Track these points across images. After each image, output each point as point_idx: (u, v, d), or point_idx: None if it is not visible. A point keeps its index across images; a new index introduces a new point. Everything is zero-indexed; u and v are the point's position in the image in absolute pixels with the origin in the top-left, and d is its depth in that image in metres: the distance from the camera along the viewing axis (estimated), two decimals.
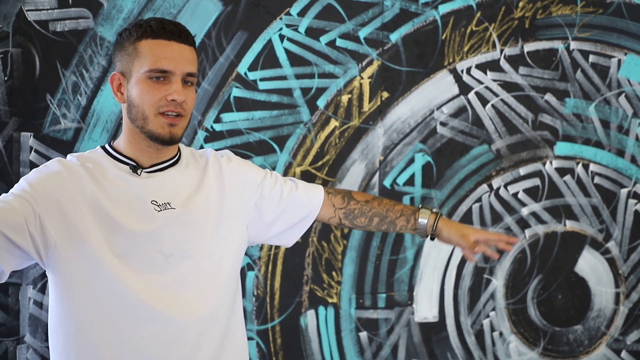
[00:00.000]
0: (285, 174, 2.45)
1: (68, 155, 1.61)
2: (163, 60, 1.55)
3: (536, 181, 2.61)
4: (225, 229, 1.69)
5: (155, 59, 1.55)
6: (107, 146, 1.64)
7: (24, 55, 2.27)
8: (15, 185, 1.54)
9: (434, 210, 1.80)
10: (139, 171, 1.59)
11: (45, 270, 2.28)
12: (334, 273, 2.50)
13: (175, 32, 1.57)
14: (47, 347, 2.29)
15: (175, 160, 1.65)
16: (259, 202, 1.77)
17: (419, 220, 1.80)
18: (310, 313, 2.49)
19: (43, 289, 2.30)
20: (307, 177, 2.47)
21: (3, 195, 1.52)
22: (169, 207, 1.59)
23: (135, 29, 1.57)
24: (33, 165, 2.30)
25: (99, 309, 1.55)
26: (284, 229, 1.81)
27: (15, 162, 2.29)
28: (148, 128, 1.57)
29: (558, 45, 2.60)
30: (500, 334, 2.62)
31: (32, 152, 2.30)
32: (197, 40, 2.37)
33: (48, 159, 2.30)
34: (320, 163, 2.48)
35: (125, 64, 1.58)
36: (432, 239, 1.81)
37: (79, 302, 1.56)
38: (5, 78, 2.27)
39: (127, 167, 1.59)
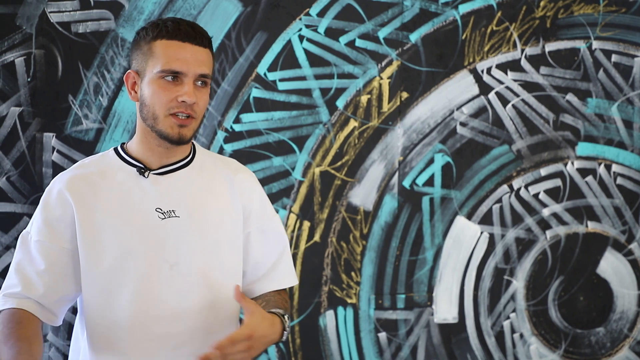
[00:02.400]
0: (304, 174, 2.46)
1: (62, 173, 1.62)
2: (176, 62, 1.55)
3: (557, 182, 2.59)
4: (231, 241, 1.64)
5: (168, 59, 1.55)
6: (119, 147, 1.65)
7: (46, 57, 2.30)
8: (31, 242, 1.58)
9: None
10: (146, 174, 1.59)
11: None
12: (353, 273, 2.50)
13: (190, 33, 1.57)
14: (69, 346, 2.32)
15: (188, 162, 1.64)
16: (245, 242, 1.68)
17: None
18: (330, 313, 2.49)
19: None
20: (327, 177, 2.47)
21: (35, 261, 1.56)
22: (174, 215, 1.57)
23: (152, 29, 1.58)
24: (55, 165, 2.32)
25: (105, 317, 1.57)
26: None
27: (38, 162, 2.32)
28: (158, 127, 1.57)
29: (580, 44, 2.57)
30: (521, 335, 2.60)
31: (55, 152, 2.32)
32: (217, 41, 2.38)
33: (70, 159, 2.32)
34: (339, 163, 2.48)
35: (140, 63, 1.58)
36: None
37: (87, 310, 1.59)
38: (29, 79, 2.30)
39: (135, 169, 1.59)
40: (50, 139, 2.32)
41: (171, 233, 1.57)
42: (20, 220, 2.31)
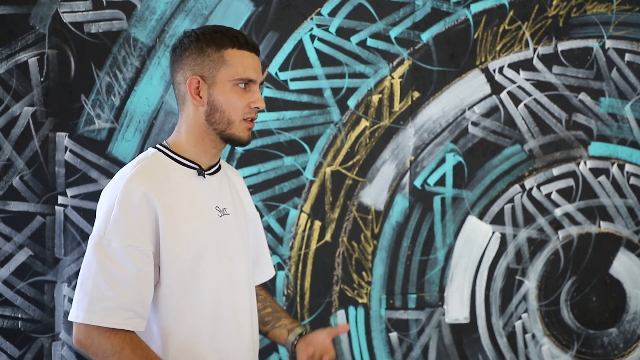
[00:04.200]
0: (315, 173, 2.46)
1: (132, 174, 1.61)
2: (250, 70, 1.66)
3: (570, 182, 2.58)
4: (249, 236, 1.81)
5: (244, 68, 1.65)
6: (164, 149, 1.69)
7: (59, 57, 2.31)
8: (116, 239, 1.56)
9: (301, 331, 1.84)
10: (204, 174, 1.66)
11: (79, 269, 2.32)
12: (364, 273, 2.50)
13: (254, 45, 1.70)
14: None
15: (220, 163, 1.75)
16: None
17: (289, 336, 1.85)
18: (341, 313, 2.49)
19: None
20: (338, 176, 2.47)
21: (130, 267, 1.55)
22: (226, 212, 1.69)
23: (219, 37, 1.66)
24: (68, 165, 2.34)
25: (186, 320, 1.63)
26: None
27: (51, 162, 2.34)
28: (230, 132, 1.66)
29: (593, 43, 2.56)
30: (533, 336, 2.59)
31: (67, 151, 2.34)
32: None
33: (83, 158, 2.34)
34: (350, 163, 2.48)
35: (207, 69, 1.65)
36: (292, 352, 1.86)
37: (164, 315, 1.63)
38: (42, 79, 2.32)
39: (192, 170, 1.65)
40: (63, 138, 2.34)
41: (227, 229, 1.69)
42: (33, 219, 2.33)
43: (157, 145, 1.70)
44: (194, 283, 1.62)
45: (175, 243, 1.60)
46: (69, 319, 1.58)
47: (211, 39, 1.66)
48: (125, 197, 1.58)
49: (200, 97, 1.66)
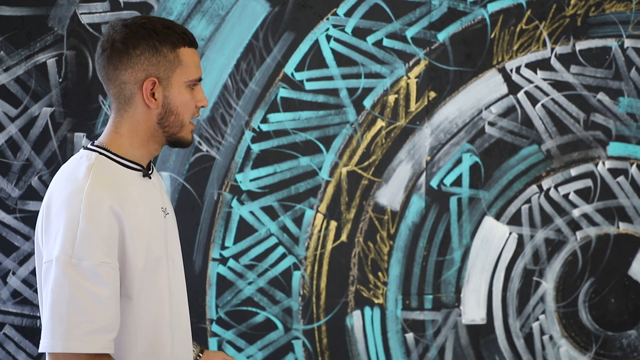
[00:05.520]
0: (331, 174, 2.46)
1: (90, 184, 1.47)
2: (200, 69, 1.57)
3: (588, 182, 2.56)
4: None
5: (196, 68, 1.56)
6: (102, 150, 1.55)
7: (77, 58, 2.33)
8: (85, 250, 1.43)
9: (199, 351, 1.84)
10: (149, 175, 1.60)
11: None
12: (380, 274, 2.50)
13: (196, 41, 1.59)
14: None
15: (152, 166, 1.66)
16: None
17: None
18: (356, 313, 2.49)
19: None
20: (354, 177, 2.47)
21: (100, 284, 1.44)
22: (167, 212, 1.62)
23: (172, 34, 1.54)
24: None
25: (152, 330, 1.57)
26: None
27: None
28: (180, 135, 1.57)
29: (611, 43, 2.53)
30: (551, 337, 2.57)
31: None
32: (245, 41, 2.40)
33: None
34: (366, 163, 2.47)
35: (163, 70, 1.53)
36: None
37: (130, 325, 1.56)
38: (60, 80, 2.34)
39: (137, 172, 1.58)
40: (81, 138, 2.36)
41: (169, 230, 1.61)
42: None
43: (92, 147, 1.56)
44: (154, 289, 1.54)
45: (140, 252, 1.51)
46: (42, 350, 1.44)
47: (165, 37, 1.52)
48: (91, 211, 1.43)
49: (155, 100, 1.53)
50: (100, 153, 1.54)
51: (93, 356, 1.44)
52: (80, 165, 1.52)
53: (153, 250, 1.53)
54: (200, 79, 1.56)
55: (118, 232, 1.47)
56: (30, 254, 2.35)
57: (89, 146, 1.56)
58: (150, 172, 1.61)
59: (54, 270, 1.43)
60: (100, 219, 1.44)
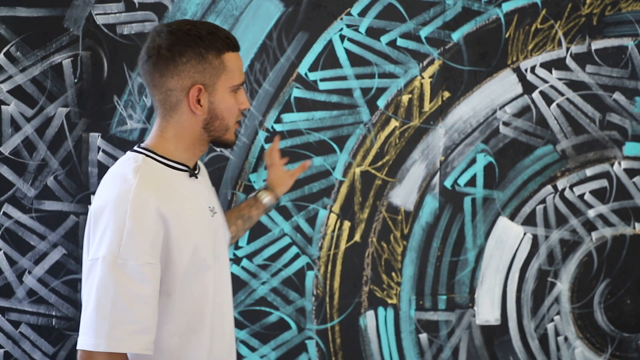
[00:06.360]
0: (344, 174, 2.46)
1: (137, 185, 1.51)
2: (242, 74, 1.62)
3: (604, 182, 2.54)
4: None
5: (240, 73, 1.60)
6: (149, 153, 1.59)
7: (92, 58, 2.35)
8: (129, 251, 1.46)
9: (263, 187, 2.16)
10: (196, 174, 1.63)
11: None
12: (393, 274, 2.49)
13: (238, 44, 1.62)
14: None
15: (199, 166, 1.72)
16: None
17: (263, 200, 2.09)
18: (370, 314, 2.48)
19: None
20: (367, 177, 2.46)
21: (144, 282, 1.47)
22: (215, 211, 1.64)
23: (217, 41, 1.56)
24: (101, 165, 2.37)
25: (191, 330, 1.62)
26: None
27: (84, 162, 2.37)
28: (225, 137, 1.62)
29: (628, 42, 2.51)
30: (565, 338, 2.56)
31: (100, 152, 2.37)
32: (259, 42, 2.40)
33: (115, 158, 2.37)
34: (380, 163, 2.47)
35: (209, 77, 1.55)
36: (278, 203, 2.18)
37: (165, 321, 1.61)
38: (75, 80, 2.35)
39: (184, 173, 1.61)
40: (96, 139, 2.37)
41: (217, 228, 1.66)
42: (67, 219, 2.37)
43: (140, 150, 1.59)
44: (195, 288, 1.56)
45: (185, 252, 1.53)
46: (82, 347, 1.46)
47: (210, 43, 1.54)
48: (137, 212, 1.46)
49: (201, 106, 1.56)
50: (147, 155, 1.57)
51: (123, 356, 1.45)
52: (127, 167, 1.54)
53: (200, 251, 1.55)
54: (243, 83, 1.58)
55: (163, 233, 1.50)
56: (46, 253, 2.37)
57: (136, 148, 1.58)
58: (196, 172, 1.63)
59: (100, 270, 1.44)
60: (146, 220, 1.47)
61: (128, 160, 1.57)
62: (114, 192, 1.50)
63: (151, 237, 1.47)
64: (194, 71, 1.55)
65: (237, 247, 2.44)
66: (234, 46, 1.60)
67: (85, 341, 1.44)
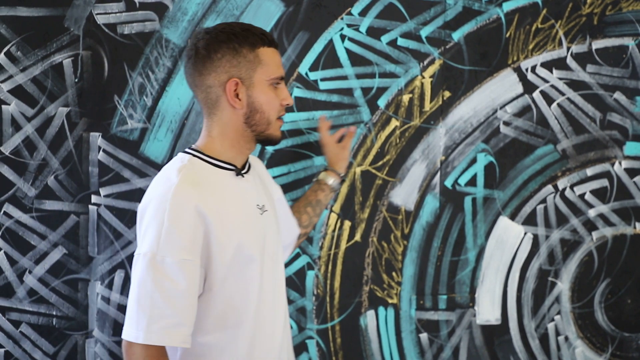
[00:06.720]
0: (345, 174, 2.46)
1: (178, 184, 1.56)
2: (281, 68, 1.67)
3: (604, 182, 2.54)
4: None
5: (277, 67, 1.65)
6: (196, 153, 1.65)
7: (93, 58, 2.35)
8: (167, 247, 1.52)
9: (323, 169, 2.20)
10: (242, 173, 1.65)
11: (112, 267, 2.36)
12: (394, 273, 2.49)
13: (276, 41, 1.68)
14: (115, 342, 2.37)
15: (249, 164, 1.75)
16: (280, 212, 1.90)
17: (328, 182, 2.14)
18: (370, 313, 2.49)
19: (110, 285, 2.38)
20: (368, 176, 2.46)
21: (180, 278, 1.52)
22: (265, 209, 1.67)
23: (250, 36, 1.62)
24: (101, 165, 2.37)
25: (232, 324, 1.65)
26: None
27: (85, 162, 2.37)
28: (268, 132, 1.65)
29: (628, 42, 2.51)
30: (566, 338, 2.56)
31: (101, 151, 2.37)
32: None
33: (115, 158, 2.37)
34: (380, 163, 2.47)
35: (244, 70, 1.62)
36: (343, 178, 2.25)
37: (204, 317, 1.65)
38: (76, 80, 2.35)
39: (230, 172, 1.64)
40: (97, 138, 2.37)
41: (267, 227, 1.68)
42: (67, 218, 2.37)
43: (189, 151, 1.66)
44: (238, 284, 1.60)
45: (227, 249, 1.57)
46: (124, 337, 1.55)
47: (244, 38, 1.61)
48: (175, 210, 1.52)
49: (240, 100, 1.62)
50: (194, 155, 1.64)
51: (160, 348, 1.52)
52: (173, 167, 1.62)
53: (245, 249, 1.59)
54: (282, 78, 1.61)
55: (203, 230, 1.54)
56: (47, 252, 2.37)
57: (186, 149, 1.67)
58: (244, 171, 1.66)
59: (140, 265, 1.53)
60: (184, 218, 1.52)
61: (175, 161, 1.65)
62: (157, 191, 1.58)
63: (189, 235, 1.52)
64: (229, 65, 1.61)
65: None
66: (269, 42, 1.65)
67: (127, 332, 1.54)
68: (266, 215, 1.69)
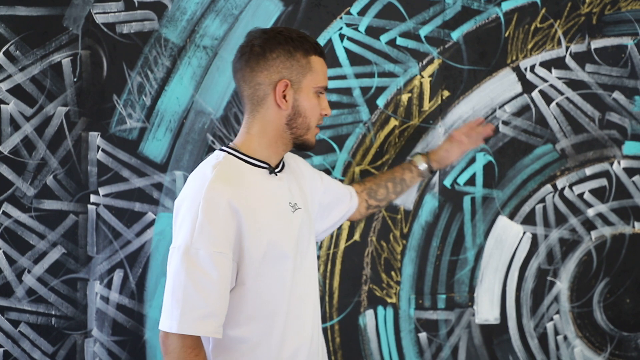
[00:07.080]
0: (344, 173, 2.46)
1: (212, 180, 1.61)
2: (327, 78, 1.73)
3: (603, 181, 2.54)
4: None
5: (324, 76, 1.72)
6: (233, 151, 1.70)
7: (92, 57, 2.35)
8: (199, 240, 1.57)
9: (421, 153, 2.23)
10: (276, 172, 1.69)
11: (111, 267, 2.36)
12: (393, 273, 2.49)
13: (324, 52, 1.75)
14: (113, 341, 2.37)
15: (283, 161, 1.79)
16: (322, 201, 1.87)
17: (419, 166, 2.17)
18: (369, 313, 2.49)
19: (109, 285, 2.38)
20: (367, 176, 2.46)
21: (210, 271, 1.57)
22: (298, 207, 1.71)
23: (305, 43, 1.69)
24: (100, 164, 2.37)
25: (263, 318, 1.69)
26: (329, 225, 2.00)
27: (84, 161, 2.37)
28: (306, 137, 1.72)
29: (627, 41, 2.52)
30: (565, 337, 2.56)
31: (100, 151, 2.37)
32: None
33: (114, 157, 2.37)
34: (379, 162, 2.47)
35: (295, 74, 1.68)
36: (433, 172, 2.24)
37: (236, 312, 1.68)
38: (75, 79, 2.35)
39: (264, 169, 1.67)
40: (96, 138, 2.37)
41: (300, 224, 1.72)
42: (66, 218, 2.37)
43: (225, 148, 1.71)
44: (269, 280, 1.65)
45: (259, 245, 1.62)
46: (160, 328, 1.60)
47: (299, 44, 1.67)
48: (209, 204, 1.58)
49: (286, 101, 1.67)
50: (230, 153, 1.69)
51: (195, 338, 1.58)
52: (208, 164, 1.68)
53: (276, 246, 1.63)
54: (326, 88, 1.69)
55: (235, 225, 1.60)
56: (46, 252, 2.37)
57: (222, 147, 1.73)
58: (278, 170, 1.69)
59: (175, 258, 1.58)
60: (217, 212, 1.57)
61: (212, 158, 1.70)
62: (193, 187, 1.63)
63: (222, 228, 1.57)
64: (282, 67, 1.67)
65: None
66: (320, 52, 1.72)
67: (163, 322, 1.59)
68: (298, 213, 1.73)
